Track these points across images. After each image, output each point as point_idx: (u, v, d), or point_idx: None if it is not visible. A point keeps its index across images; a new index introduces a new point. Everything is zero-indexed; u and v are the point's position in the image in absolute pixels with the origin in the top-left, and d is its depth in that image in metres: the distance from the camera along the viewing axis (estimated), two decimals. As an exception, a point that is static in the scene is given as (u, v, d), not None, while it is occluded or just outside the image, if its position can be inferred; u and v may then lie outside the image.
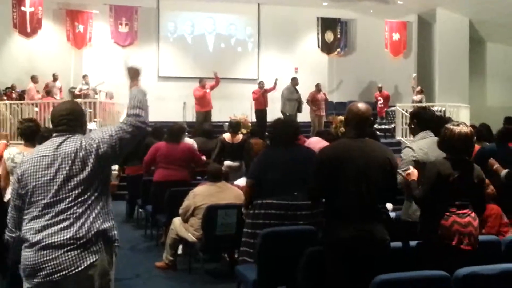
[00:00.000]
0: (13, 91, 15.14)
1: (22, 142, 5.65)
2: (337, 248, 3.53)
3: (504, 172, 4.85)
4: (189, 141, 8.66)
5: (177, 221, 6.09)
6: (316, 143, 8.67)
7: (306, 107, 15.41)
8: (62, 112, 3.17)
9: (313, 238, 4.21)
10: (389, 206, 5.07)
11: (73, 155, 3.00)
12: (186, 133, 9.12)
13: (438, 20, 18.01)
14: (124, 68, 3.42)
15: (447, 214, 3.64)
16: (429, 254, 3.69)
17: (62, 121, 3.13)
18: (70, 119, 3.15)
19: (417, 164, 4.22)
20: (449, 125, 3.83)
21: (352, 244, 3.47)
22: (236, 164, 8.54)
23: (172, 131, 7.74)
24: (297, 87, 15.15)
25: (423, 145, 4.40)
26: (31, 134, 5.36)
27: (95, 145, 3.03)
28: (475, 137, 7.17)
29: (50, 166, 2.99)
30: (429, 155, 4.26)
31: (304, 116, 15.44)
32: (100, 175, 3.05)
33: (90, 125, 12.54)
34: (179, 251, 6.36)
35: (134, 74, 3.41)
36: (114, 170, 11.81)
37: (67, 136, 3.09)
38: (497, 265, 3.38)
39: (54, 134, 3.14)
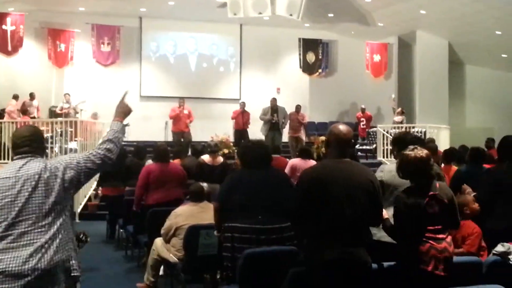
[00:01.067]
0: (-7, 110, 15.01)
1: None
2: (319, 270, 3.53)
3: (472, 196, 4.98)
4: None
5: (158, 241, 6.05)
6: (300, 165, 8.73)
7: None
8: (24, 134, 3.21)
9: (295, 259, 4.20)
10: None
11: (36, 176, 3.02)
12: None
13: (418, 42, 18.29)
14: (120, 100, 3.56)
15: (424, 239, 3.66)
16: (404, 277, 3.71)
17: (24, 143, 3.16)
18: (32, 141, 3.18)
19: (382, 184, 4.25)
20: (405, 151, 3.83)
21: (334, 267, 3.47)
22: (215, 186, 8.46)
23: (159, 151, 7.65)
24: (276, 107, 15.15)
25: (393, 168, 4.46)
26: None
27: (61, 168, 3.08)
28: (455, 160, 7.32)
29: (12, 187, 3.00)
30: (396, 178, 4.29)
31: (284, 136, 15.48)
32: (63, 200, 3.06)
33: (71, 145, 12.47)
34: (161, 272, 6.30)
35: (125, 110, 3.55)
36: (94, 189, 11.74)
37: (29, 158, 3.12)
38: (479, 286, 3.41)
39: (16, 157, 3.16)
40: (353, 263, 3.49)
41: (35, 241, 2.91)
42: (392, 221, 3.82)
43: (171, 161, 8.22)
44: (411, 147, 3.88)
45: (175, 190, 7.35)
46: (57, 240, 2.97)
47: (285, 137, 15.61)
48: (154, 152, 7.83)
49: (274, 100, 15.16)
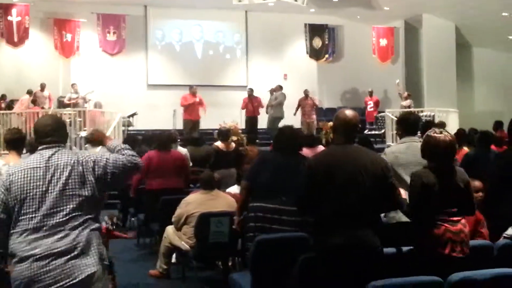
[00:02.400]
0: (2, 101, 15.09)
1: (6, 152, 5.49)
2: (327, 255, 3.56)
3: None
4: (182, 150, 8.68)
5: (170, 229, 6.10)
6: (306, 152, 8.71)
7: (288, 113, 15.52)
8: (47, 124, 3.19)
9: (306, 245, 4.23)
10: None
11: (69, 167, 3.01)
12: (178, 141, 9.14)
13: (425, 25, 18.20)
14: (86, 141, 3.53)
15: (439, 222, 3.68)
16: (421, 261, 3.72)
17: (49, 133, 3.14)
18: (57, 131, 3.17)
19: None
20: (431, 133, 3.83)
21: (342, 251, 3.49)
22: (231, 171, 8.53)
23: (161, 140, 7.72)
24: (277, 92, 15.43)
25: (396, 149, 4.50)
26: (16, 141, 5.28)
27: (91, 164, 3.07)
28: (466, 142, 7.32)
29: (43, 177, 2.97)
30: (399, 158, 4.37)
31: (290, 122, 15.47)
32: (94, 195, 3.05)
33: (82, 133, 12.53)
34: (173, 259, 6.37)
35: (100, 137, 3.55)
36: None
37: (56, 149, 3.10)
38: (489, 270, 3.41)
39: (42, 147, 3.12)
40: (360, 247, 3.49)
41: (69, 226, 2.92)
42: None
43: (178, 149, 8.29)
44: (438, 130, 3.88)
45: (175, 179, 7.41)
46: (90, 227, 2.99)
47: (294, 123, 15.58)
48: (156, 140, 7.90)
49: (276, 87, 15.63)
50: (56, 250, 2.87)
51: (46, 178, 2.97)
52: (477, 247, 3.90)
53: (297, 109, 15.78)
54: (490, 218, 4.60)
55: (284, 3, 14.66)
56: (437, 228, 3.65)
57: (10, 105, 15.00)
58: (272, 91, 15.74)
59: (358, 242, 3.49)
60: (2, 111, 13.79)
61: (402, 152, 4.47)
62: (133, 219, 8.75)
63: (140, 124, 15.79)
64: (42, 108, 14.36)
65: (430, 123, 5.80)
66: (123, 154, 3.24)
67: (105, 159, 3.13)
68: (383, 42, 19.02)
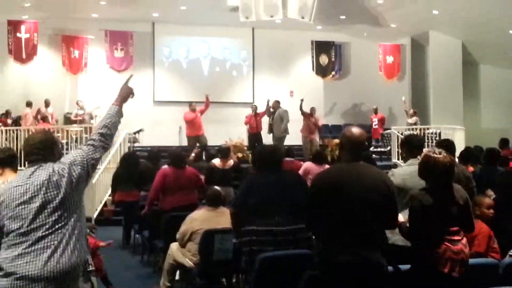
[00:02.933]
0: (8, 117, 15.16)
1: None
2: (333, 273, 3.54)
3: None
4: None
5: (174, 246, 6.08)
6: (313, 169, 8.73)
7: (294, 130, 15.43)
8: (34, 142, 3.24)
9: (310, 262, 4.22)
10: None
11: (46, 182, 3.07)
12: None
13: (431, 42, 18.22)
14: (124, 83, 3.52)
15: (440, 241, 3.66)
16: (420, 280, 3.70)
17: (33, 151, 3.21)
18: (41, 148, 3.21)
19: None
20: (429, 153, 3.83)
21: (348, 269, 3.47)
22: (227, 189, 8.51)
23: (176, 156, 7.72)
24: (280, 110, 15.14)
25: (404, 172, 4.46)
26: (9, 160, 5.29)
27: (67, 168, 3.12)
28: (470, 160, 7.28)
29: (24, 195, 3.04)
30: (407, 182, 4.34)
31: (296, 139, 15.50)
32: (73, 198, 3.10)
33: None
34: (177, 276, 6.34)
35: (124, 94, 3.56)
36: (109, 195, 11.80)
37: (39, 164, 3.16)
38: (496, 288, 3.41)
39: (27, 165, 3.21)
40: (367, 266, 3.48)
41: (52, 243, 2.96)
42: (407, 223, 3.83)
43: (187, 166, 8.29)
44: (437, 150, 3.89)
45: (190, 195, 7.43)
46: (73, 239, 3.03)
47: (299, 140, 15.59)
48: (169, 157, 7.89)
49: (274, 103, 15.22)
50: (35, 272, 2.90)
51: (27, 195, 3.04)
52: (483, 265, 3.87)
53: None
54: (498, 235, 4.59)
55: (291, 20, 14.70)
56: (438, 246, 3.63)
57: (17, 121, 15.06)
58: (273, 110, 15.46)
59: (364, 261, 3.47)
60: (10, 127, 13.84)
61: (411, 176, 4.42)
62: (137, 236, 8.73)
63: (146, 140, 15.83)
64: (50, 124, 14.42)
65: (445, 141, 5.77)
66: (98, 136, 3.27)
67: (80, 157, 3.18)
68: (390, 59, 19.05)
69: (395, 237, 4.07)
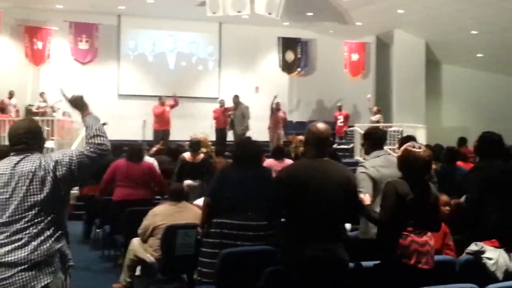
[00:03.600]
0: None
1: None
2: (297, 268, 3.53)
3: (463, 197, 4.98)
4: (149, 159, 8.59)
5: (135, 241, 6.00)
6: (272, 165, 8.74)
7: (260, 126, 15.45)
8: (20, 130, 3.14)
9: (272, 258, 4.20)
10: (347, 226, 5.13)
11: (31, 174, 2.97)
12: (146, 151, 9.06)
13: (396, 41, 18.43)
14: (66, 101, 3.40)
15: (405, 233, 3.68)
16: (387, 274, 3.72)
17: (20, 140, 3.10)
18: (28, 137, 3.12)
19: (372, 180, 4.32)
20: (409, 147, 3.86)
21: (312, 264, 3.47)
22: (196, 183, 8.51)
23: (133, 150, 7.65)
24: (241, 106, 15.30)
25: (375, 163, 4.48)
26: None
27: (52, 166, 3.02)
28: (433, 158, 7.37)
29: (7, 185, 2.95)
30: (381, 172, 4.36)
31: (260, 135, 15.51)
32: (57, 197, 3.03)
33: (48, 144, 12.32)
34: (137, 272, 6.26)
35: (79, 102, 3.39)
36: (74, 190, 11.61)
37: (25, 154, 3.06)
38: (452, 285, 3.44)
39: (12, 153, 3.10)
40: (330, 260, 3.50)
41: (29, 234, 2.89)
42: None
43: (146, 159, 8.21)
44: (416, 144, 3.93)
45: (141, 190, 7.35)
46: (51, 231, 2.96)
47: (265, 136, 15.64)
48: (127, 150, 7.83)
49: (234, 98, 15.41)
50: (12, 259, 2.84)
51: (10, 185, 2.95)
52: (440, 262, 3.91)
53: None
54: (472, 230, 4.64)
55: (258, 16, 14.68)
56: (403, 238, 3.65)
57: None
58: (234, 106, 15.49)
59: (328, 255, 3.49)
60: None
61: (383, 166, 4.45)
62: (98, 230, 8.60)
63: (110, 134, 15.53)
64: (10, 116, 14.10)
65: (410, 138, 5.83)
66: (91, 146, 3.16)
67: (68, 158, 3.07)
68: (355, 57, 19.19)
69: (374, 230, 4.06)
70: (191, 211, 5.94)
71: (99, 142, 3.17)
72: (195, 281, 5.59)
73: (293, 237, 3.61)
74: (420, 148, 3.85)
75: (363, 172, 4.40)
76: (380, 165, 4.47)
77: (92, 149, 3.14)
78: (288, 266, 3.61)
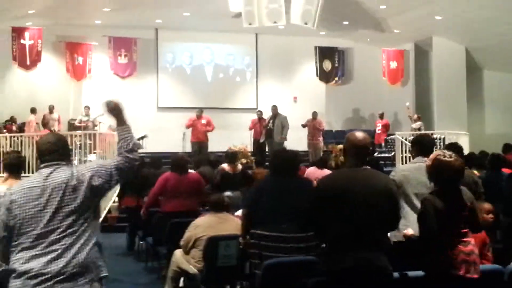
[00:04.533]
0: (13, 124, 15.20)
1: (3, 175, 5.45)
2: (338, 278, 3.52)
3: None
4: (190, 171, 8.67)
5: (178, 253, 6.05)
6: (313, 173, 8.78)
7: (299, 135, 15.41)
8: (48, 143, 3.21)
9: (315, 269, 4.19)
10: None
11: (63, 185, 3.03)
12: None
13: (435, 48, 18.21)
14: (105, 110, 3.43)
15: (453, 244, 3.64)
16: (435, 284, 3.68)
17: (49, 150, 3.17)
18: (57, 149, 3.18)
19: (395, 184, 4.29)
20: (440, 157, 3.81)
21: (353, 274, 3.45)
22: (235, 194, 8.54)
23: (178, 162, 7.72)
24: (280, 116, 15.26)
25: (406, 168, 4.47)
26: (15, 165, 5.28)
27: (88, 175, 3.09)
28: (474, 165, 7.27)
29: (40, 196, 2.99)
30: (408, 177, 4.36)
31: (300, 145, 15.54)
32: (91, 206, 3.08)
33: (90, 157, 12.55)
34: (181, 283, 6.30)
35: (117, 110, 3.39)
36: (115, 202, 11.80)
37: (56, 167, 3.12)
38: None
39: (42, 165, 3.16)
40: (371, 269, 3.46)
41: (64, 245, 2.94)
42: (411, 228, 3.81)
43: (189, 171, 8.28)
44: (447, 153, 3.86)
45: (190, 201, 7.41)
46: (85, 242, 3.01)
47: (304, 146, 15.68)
48: (171, 162, 7.89)
49: (273, 108, 15.39)
50: (49, 271, 2.89)
51: (44, 197, 3.00)
52: (487, 271, 3.85)
53: (303, 126, 15.83)
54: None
55: (294, 26, 14.69)
56: (451, 249, 3.61)
57: (21, 128, 15.09)
58: (272, 116, 15.46)
59: (369, 265, 3.45)
60: (14, 134, 13.86)
61: (412, 171, 4.43)
62: (141, 242, 8.71)
63: (150, 146, 15.81)
64: (52, 130, 14.41)
65: (454, 145, 5.78)
66: (123, 157, 3.24)
67: (104, 169, 3.15)
68: (393, 64, 19.03)
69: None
70: (233, 222, 5.95)
71: (133, 157, 3.27)
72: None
73: (334, 247, 3.59)
74: (451, 157, 3.79)
75: (392, 175, 4.47)
76: (411, 170, 4.46)
77: (126, 163, 3.22)
78: (329, 276, 3.59)
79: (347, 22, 17.41)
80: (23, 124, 15.35)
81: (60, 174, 3.08)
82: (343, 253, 3.49)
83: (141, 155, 14.55)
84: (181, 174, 7.51)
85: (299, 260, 4.46)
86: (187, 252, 5.91)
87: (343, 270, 3.46)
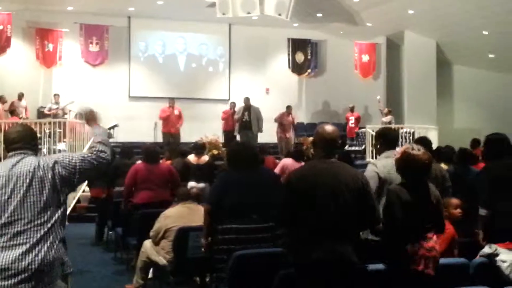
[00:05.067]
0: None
1: None
2: (307, 270, 3.54)
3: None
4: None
5: (148, 243, 6.04)
6: (292, 165, 8.79)
7: (269, 127, 15.42)
8: (16, 132, 3.19)
9: (285, 260, 4.21)
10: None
11: (30, 174, 2.99)
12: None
13: (406, 42, 18.36)
14: (79, 116, 3.53)
15: (414, 238, 3.68)
16: (394, 278, 3.72)
17: (16, 140, 3.14)
18: (25, 138, 3.16)
19: (379, 179, 4.32)
20: (408, 150, 3.85)
21: (322, 266, 3.48)
22: (200, 185, 8.52)
23: (149, 152, 7.66)
24: (254, 107, 15.25)
25: (386, 164, 4.45)
26: None
27: (51, 165, 3.06)
28: (442, 159, 7.36)
29: (5, 185, 2.96)
30: (391, 173, 4.29)
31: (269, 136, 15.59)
32: (55, 198, 3.04)
33: (60, 146, 12.41)
34: (150, 274, 6.30)
35: (92, 117, 3.50)
36: (84, 191, 11.70)
37: (23, 156, 3.09)
38: (466, 288, 3.44)
39: (9, 154, 3.13)
40: (340, 262, 3.49)
41: (30, 239, 2.89)
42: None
43: (161, 162, 8.24)
44: (415, 146, 3.91)
45: (163, 191, 7.35)
46: (51, 238, 2.95)
47: (274, 138, 15.71)
48: (143, 152, 7.84)
49: (246, 100, 15.35)
50: (13, 269, 2.83)
51: (9, 187, 2.96)
52: (453, 264, 3.91)
53: (276, 120, 15.79)
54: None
55: (268, 17, 14.69)
56: (411, 244, 3.66)
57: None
58: (245, 108, 15.46)
59: (338, 258, 3.48)
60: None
61: (392, 169, 4.41)
62: (110, 232, 8.66)
63: (121, 136, 15.68)
64: (20, 118, 14.20)
65: (423, 140, 5.80)
66: (92, 152, 3.25)
67: (67, 159, 3.13)
68: (365, 58, 19.13)
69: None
70: (202, 213, 5.96)
71: (101, 149, 3.27)
72: (208, 283, 5.63)
73: (302, 239, 3.61)
74: (419, 150, 3.83)
75: (373, 171, 4.42)
76: (390, 166, 4.44)
77: (93, 156, 3.22)
78: (297, 269, 3.62)
79: (320, 15, 17.46)
80: (-9, 112, 15.07)
81: (26, 163, 3.04)
82: (313, 245, 3.51)
83: (112, 144, 14.58)
84: (152, 164, 7.46)
85: (269, 251, 4.49)
86: (156, 243, 5.90)
87: (312, 262, 3.49)
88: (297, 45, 19.51)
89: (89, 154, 3.23)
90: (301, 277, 3.57)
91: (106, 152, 3.28)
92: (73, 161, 3.13)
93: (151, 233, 5.93)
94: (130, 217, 6.93)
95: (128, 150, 9.84)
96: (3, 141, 3.23)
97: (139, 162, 7.82)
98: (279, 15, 14.29)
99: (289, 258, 3.88)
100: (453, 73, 19.97)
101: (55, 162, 3.08)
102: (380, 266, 3.83)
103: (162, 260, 5.78)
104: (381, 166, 4.48)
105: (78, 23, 17.42)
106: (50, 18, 17.13)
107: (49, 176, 3.02)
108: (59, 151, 12.05)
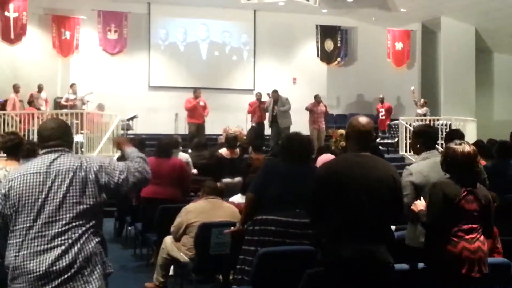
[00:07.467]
0: (-5, 100, 15.10)
1: (4, 156, 5.33)
2: (337, 269, 3.52)
3: None
4: (183, 156, 8.65)
5: (168, 240, 6.07)
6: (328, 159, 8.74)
7: (296, 120, 15.33)
8: (52, 127, 3.16)
9: (312, 259, 4.19)
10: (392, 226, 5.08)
11: (71, 173, 2.98)
12: (180, 148, 9.12)
13: (443, 29, 18.14)
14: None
15: (455, 239, 3.64)
16: (436, 281, 3.69)
17: (53, 136, 3.11)
18: (62, 133, 3.15)
19: (415, 187, 4.22)
20: (451, 145, 3.84)
21: (353, 265, 3.46)
22: (237, 179, 8.53)
23: (161, 146, 7.69)
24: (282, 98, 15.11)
25: (423, 167, 4.33)
26: (14, 147, 5.22)
27: (95, 168, 3.05)
28: (481, 154, 7.27)
29: (43, 184, 2.94)
30: (430, 177, 4.18)
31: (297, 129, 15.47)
32: (97, 202, 3.03)
33: (77, 138, 12.51)
34: (171, 271, 6.33)
35: (121, 141, 3.61)
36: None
37: (60, 153, 3.07)
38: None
39: (44, 150, 3.10)
40: (372, 262, 3.47)
41: (68, 240, 2.89)
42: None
43: (180, 155, 8.25)
44: (458, 141, 3.89)
45: (171, 189, 7.37)
46: (91, 236, 2.98)
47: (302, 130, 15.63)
48: (156, 146, 7.86)
49: (274, 92, 15.01)
50: (55, 269, 2.85)
51: (47, 185, 2.94)
52: (494, 265, 3.86)
53: (307, 109, 15.67)
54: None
55: (295, 2, 14.67)
56: (453, 246, 3.61)
57: (3, 105, 14.99)
58: (274, 100, 15.32)
59: (370, 257, 3.46)
60: (-4, 112, 13.79)
61: (431, 170, 4.28)
62: (130, 228, 8.72)
63: (140, 127, 15.78)
64: (39, 109, 14.35)
65: (456, 132, 5.69)
66: (140, 165, 3.23)
67: (112, 166, 3.12)
68: (399, 45, 18.96)
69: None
70: (226, 208, 5.97)
71: (144, 166, 3.26)
72: (231, 281, 5.64)
73: (333, 237, 3.59)
74: (460, 144, 3.81)
75: (408, 180, 4.29)
76: (428, 169, 4.32)
77: (139, 168, 3.20)
78: (328, 267, 3.61)
79: (351, 0, 17.33)
80: (6, 101, 15.24)
81: (66, 161, 3.03)
82: (342, 243, 3.49)
83: (131, 136, 14.66)
84: (162, 158, 7.48)
85: (296, 249, 4.47)
86: (177, 239, 5.92)
87: (341, 261, 3.47)
88: (326, 32, 19.39)
89: (137, 167, 3.20)
90: (330, 276, 3.55)
91: (148, 170, 3.27)
92: (117, 169, 3.12)
93: (172, 229, 5.95)
94: (150, 212, 6.96)
95: (141, 143, 9.89)
96: (38, 137, 3.22)
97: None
98: (307, 0, 14.23)
99: (319, 256, 3.87)
100: (493, 62, 19.69)
101: (100, 167, 3.07)
102: (419, 266, 3.80)
103: (183, 257, 5.81)
104: (416, 171, 4.32)
105: (96, 10, 17.55)
106: (67, 4, 17.29)
107: (92, 179, 3.01)
108: (77, 143, 12.16)
